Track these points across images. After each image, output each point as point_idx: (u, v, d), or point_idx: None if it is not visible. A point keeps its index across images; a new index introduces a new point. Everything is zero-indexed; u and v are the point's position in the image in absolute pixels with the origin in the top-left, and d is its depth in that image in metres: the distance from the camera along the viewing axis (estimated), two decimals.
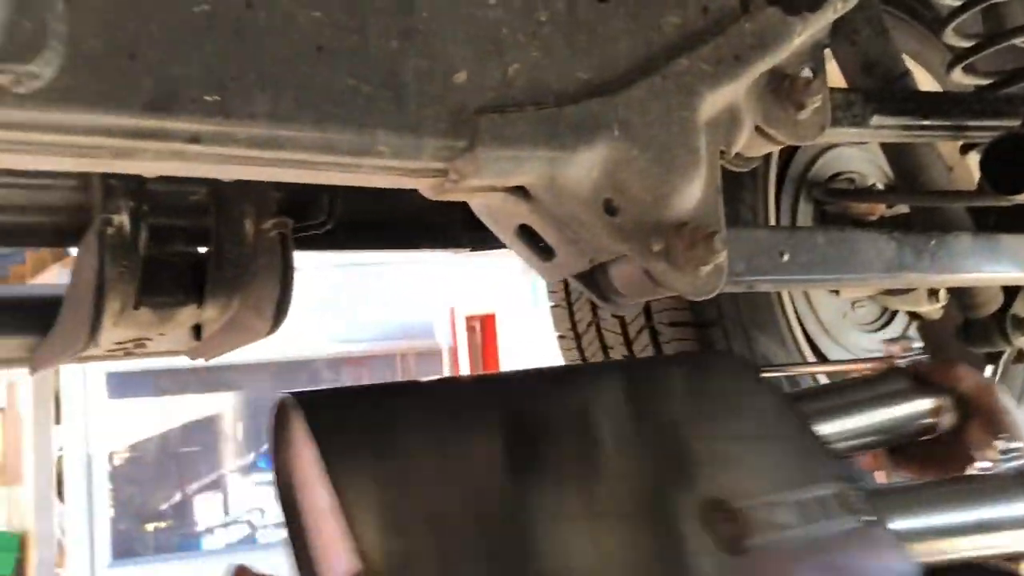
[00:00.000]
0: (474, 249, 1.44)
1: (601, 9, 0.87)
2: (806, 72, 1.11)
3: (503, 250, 1.44)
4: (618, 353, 1.69)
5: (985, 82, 1.61)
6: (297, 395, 0.85)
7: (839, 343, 1.91)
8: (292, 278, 1.15)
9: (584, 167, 0.85)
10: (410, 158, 0.76)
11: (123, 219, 1.05)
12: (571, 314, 1.77)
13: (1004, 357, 1.67)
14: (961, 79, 1.64)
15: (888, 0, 1.90)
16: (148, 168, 0.67)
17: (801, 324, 1.75)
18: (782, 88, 1.08)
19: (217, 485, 10.62)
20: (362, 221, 1.26)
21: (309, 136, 0.69)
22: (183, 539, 9.88)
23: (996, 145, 1.22)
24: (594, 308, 1.72)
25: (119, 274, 1.07)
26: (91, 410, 7.10)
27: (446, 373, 8.30)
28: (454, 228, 1.41)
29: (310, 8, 0.69)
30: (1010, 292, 1.64)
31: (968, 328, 1.64)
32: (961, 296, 1.63)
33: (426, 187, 0.82)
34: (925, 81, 1.95)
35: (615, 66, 0.87)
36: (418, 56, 0.75)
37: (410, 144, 0.74)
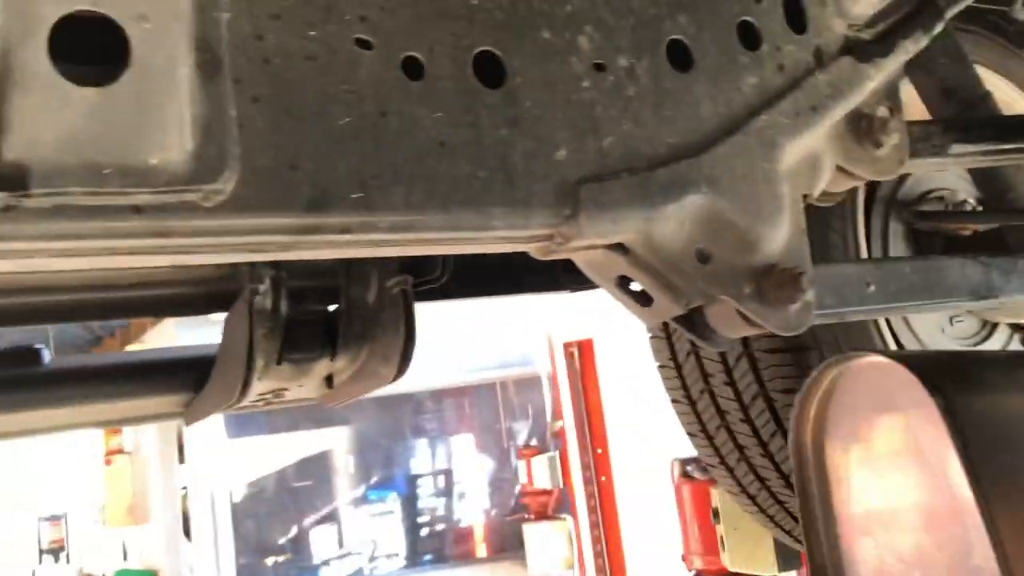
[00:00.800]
0: (573, 290, 1.54)
1: (683, 78, 0.96)
2: (882, 111, 1.18)
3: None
4: (719, 381, 1.76)
5: None
6: (899, 356, 0.78)
7: None
8: (415, 328, 1.27)
9: (676, 221, 0.94)
10: (521, 229, 0.86)
11: (267, 287, 1.19)
12: (670, 344, 1.85)
13: None
14: None
15: (970, 18, 1.93)
16: (305, 255, 0.80)
17: (897, 341, 1.78)
18: (860, 128, 1.15)
19: (331, 518, 10.94)
20: (471, 272, 1.37)
21: (437, 219, 0.80)
22: (301, 571, 10.20)
23: None
24: (701, 366, 1.79)
25: (264, 335, 1.21)
26: (212, 449, 7.44)
27: (547, 399, 8.40)
28: (554, 271, 1.51)
29: (432, 111, 0.81)
30: None
31: None
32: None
33: (535, 250, 0.93)
34: (1012, 95, 1.96)
35: (700, 128, 0.96)
36: (524, 140, 0.85)
37: (521, 217, 0.85)
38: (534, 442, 8.54)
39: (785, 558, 2.70)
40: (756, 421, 1.73)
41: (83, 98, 0.63)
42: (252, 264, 1.20)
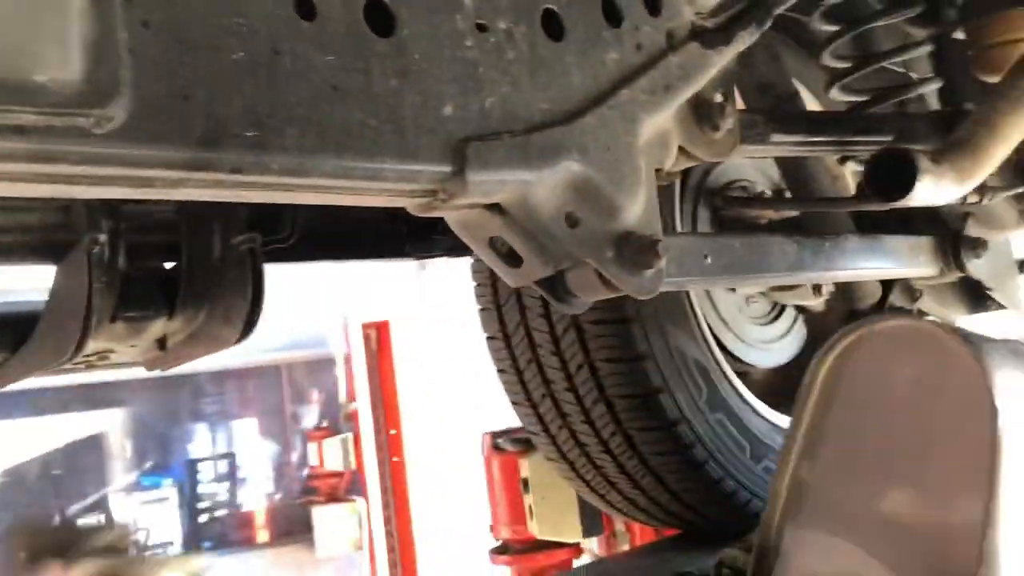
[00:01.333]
0: (418, 259, 1.55)
1: (555, 47, 1.00)
2: (719, 97, 1.27)
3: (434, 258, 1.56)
4: (546, 351, 1.83)
5: (859, 99, 1.82)
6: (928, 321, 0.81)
7: (738, 336, 2.10)
8: (263, 289, 1.23)
9: (549, 186, 0.98)
10: (409, 182, 0.87)
11: (106, 238, 1.11)
12: (500, 317, 1.89)
13: None
14: (838, 97, 1.85)
15: (773, 26, 2.10)
16: (192, 195, 0.76)
17: (706, 319, 1.92)
18: (701, 112, 1.24)
19: (100, 506, 10.25)
20: (320, 234, 1.35)
21: (329, 164, 0.79)
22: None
23: (878, 157, 1.42)
24: (522, 309, 1.85)
25: (99, 290, 1.13)
26: None
27: (341, 383, 8.28)
28: (399, 239, 1.51)
29: (324, 53, 0.80)
30: (887, 285, 1.86)
31: (852, 319, 1.84)
32: (845, 291, 1.84)
33: (415, 206, 0.93)
34: (807, 99, 2.16)
35: (571, 97, 1.00)
36: (412, 92, 0.85)
37: (409, 170, 0.85)
38: (325, 424, 8.40)
39: (589, 525, 2.85)
40: (580, 389, 1.81)
41: None
42: (90, 213, 1.12)
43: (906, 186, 1.39)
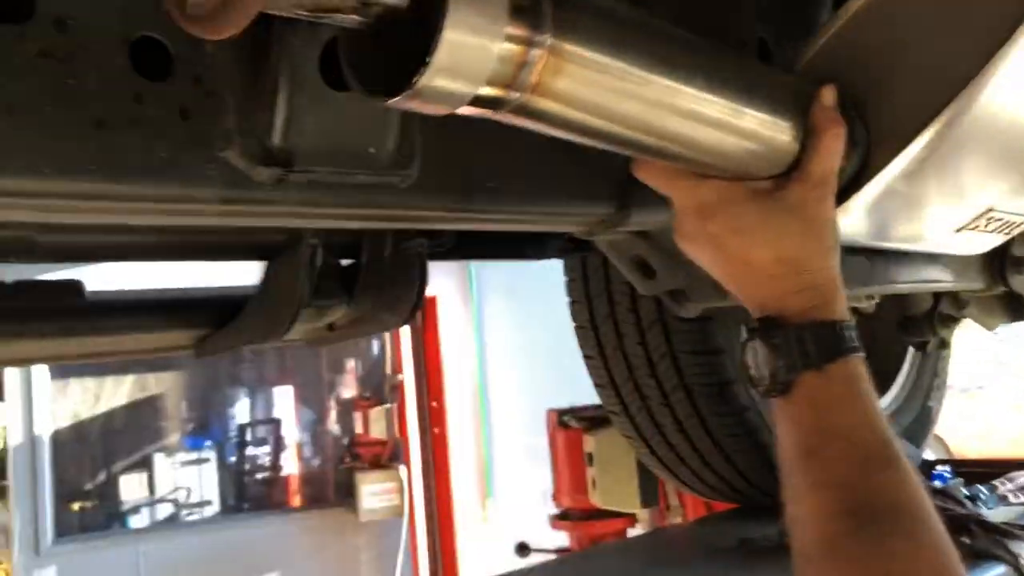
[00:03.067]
0: (534, 259, 1.82)
1: None
2: None
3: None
4: (631, 341, 2.08)
5: None
6: None
7: None
8: (426, 284, 1.50)
9: None
10: (588, 215, 1.12)
11: (318, 241, 1.38)
12: (590, 309, 2.15)
13: (930, 344, 2.13)
14: None
15: None
16: (444, 226, 1.02)
17: None
18: None
19: (143, 465, 10.67)
20: (465, 239, 1.61)
21: (541, 205, 1.05)
22: (109, 517, 9.92)
23: None
24: (611, 303, 2.10)
25: (306, 283, 1.40)
26: (36, 388, 7.14)
27: (388, 355, 8.58)
28: (521, 242, 1.78)
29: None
30: (937, 295, 2.09)
31: (905, 323, 2.09)
32: (900, 299, 2.08)
33: (581, 231, 1.19)
34: None
35: None
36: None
37: (591, 206, 1.11)
38: (368, 394, 8.73)
39: (646, 497, 3.13)
40: (662, 377, 2.07)
41: (335, 100, 0.83)
42: None
43: None
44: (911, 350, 2.54)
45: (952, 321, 2.09)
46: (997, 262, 1.97)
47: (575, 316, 2.21)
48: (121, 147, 0.72)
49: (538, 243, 1.79)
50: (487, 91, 0.64)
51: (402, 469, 7.48)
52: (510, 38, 0.61)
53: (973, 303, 2.09)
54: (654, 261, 1.26)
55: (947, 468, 2.54)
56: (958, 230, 1.18)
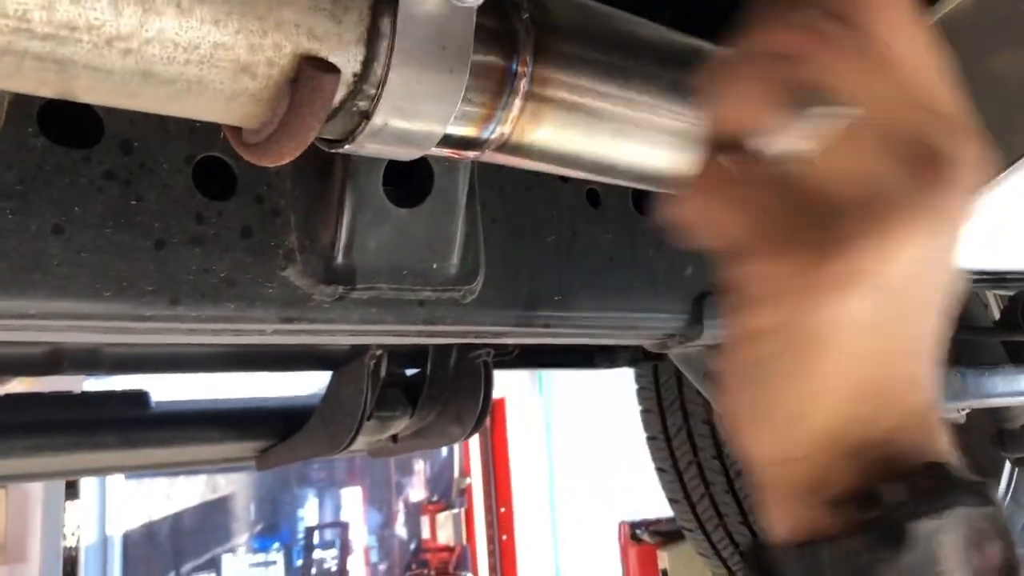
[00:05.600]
0: (603, 367, 1.77)
1: None
2: None
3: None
4: (707, 455, 2.00)
5: None
6: None
7: None
8: (491, 394, 1.46)
9: None
10: (658, 329, 1.08)
11: (382, 351, 1.36)
12: (663, 419, 2.08)
13: None
14: None
15: None
16: (509, 341, 0.99)
17: None
18: None
19: (212, 565, 10.66)
20: (541, 345, 1.58)
21: (612, 317, 1.01)
22: None
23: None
24: (685, 414, 2.03)
25: (370, 394, 1.38)
26: (109, 488, 7.24)
27: (456, 458, 8.50)
28: (589, 351, 1.74)
29: (605, 231, 1.02)
30: None
31: (1001, 436, 1.96)
32: (996, 412, 1.96)
33: (654, 344, 1.15)
34: None
35: None
36: (665, 259, 1.07)
37: (661, 319, 1.07)
38: (436, 498, 8.63)
39: None
40: (739, 493, 1.97)
41: (398, 217, 0.82)
42: None
43: None
44: (1008, 465, 2.39)
45: None
46: None
47: (647, 426, 2.14)
48: (181, 267, 0.72)
49: (608, 352, 1.75)
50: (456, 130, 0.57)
51: None
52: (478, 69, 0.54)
53: None
54: None
55: None
56: None
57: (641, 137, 0.67)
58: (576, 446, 6.91)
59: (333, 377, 1.42)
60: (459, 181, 0.85)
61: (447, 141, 0.57)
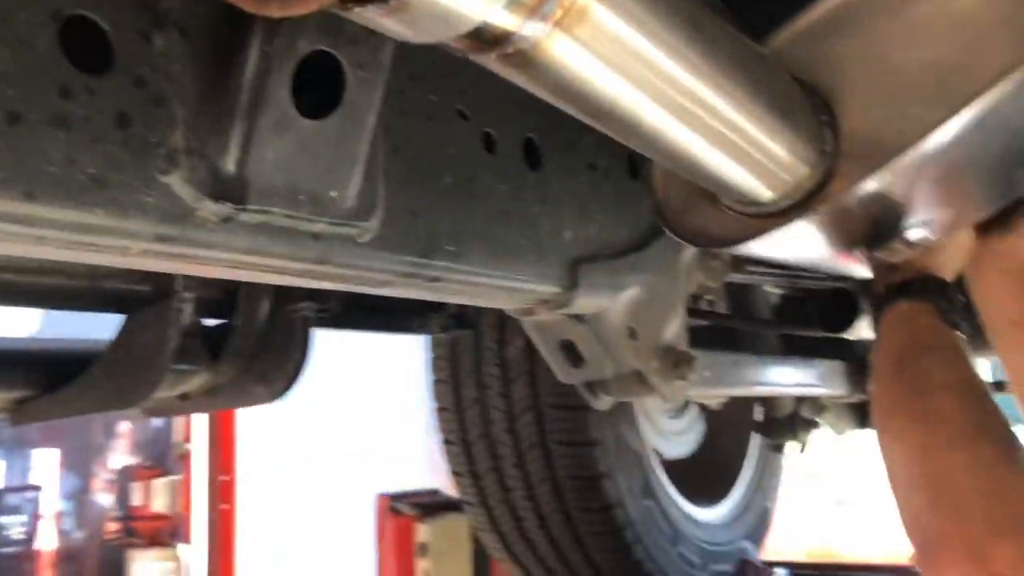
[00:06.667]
0: (420, 333, 1.67)
1: (634, 184, 1.17)
2: None
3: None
4: (499, 428, 1.96)
5: None
6: None
7: (655, 427, 2.31)
8: (308, 354, 1.32)
9: (623, 302, 1.14)
10: (533, 293, 1.00)
11: (191, 296, 1.18)
12: (456, 389, 2.01)
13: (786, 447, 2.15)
14: None
15: None
16: (390, 293, 0.87)
17: (640, 409, 2.12)
18: None
19: None
20: (354, 307, 1.44)
21: (498, 273, 0.92)
22: None
23: (833, 295, 1.66)
24: (480, 386, 1.97)
25: (171, 343, 1.19)
26: None
27: (176, 422, 7.93)
28: (408, 316, 1.63)
29: (498, 182, 0.93)
30: (799, 398, 2.12)
31: (767, 424, 2.09)
32: (764, 400, 2.09)
33: (519, 309, 1.07)
34: None
35: (642, 227, 1.17)
36: (549, 217, 1.00)
37: (539, 283, 0.99)
38: (150, 462, 8.02)
39: None
40: (530, 467, 1.95)
41: (301, 127, 0.68)
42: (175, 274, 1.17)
43: (849, 321, 1.65)
44: (754, 451, 2.57)
45: (811, 425, 2.11)
46: (860, 372, 2.02)
47: (438, 397, 2.06)
48: (39, 153, 0.54)
49: (423, 317, 1.65)
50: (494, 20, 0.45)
51: (182, 548, 6.86)
52: None
53: (830, 408, 2.13)
54: (585, 349, 1.15)
55: (785, 570, 2.56)
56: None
57: (683, 116, 0.61)
58: (331, 413, 6.60)
59: (127, 321, 1.21)
60: (373, 96, 0.72)
61: (478, 31, 0.45)
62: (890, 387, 0.92)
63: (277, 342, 1.32)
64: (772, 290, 2.15)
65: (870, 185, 0.78)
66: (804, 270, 1.78)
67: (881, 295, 0.99)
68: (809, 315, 1.80)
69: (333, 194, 0.72)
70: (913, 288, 0.97)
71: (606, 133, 0.63)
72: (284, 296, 1.32)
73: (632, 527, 1.96)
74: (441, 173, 0.85)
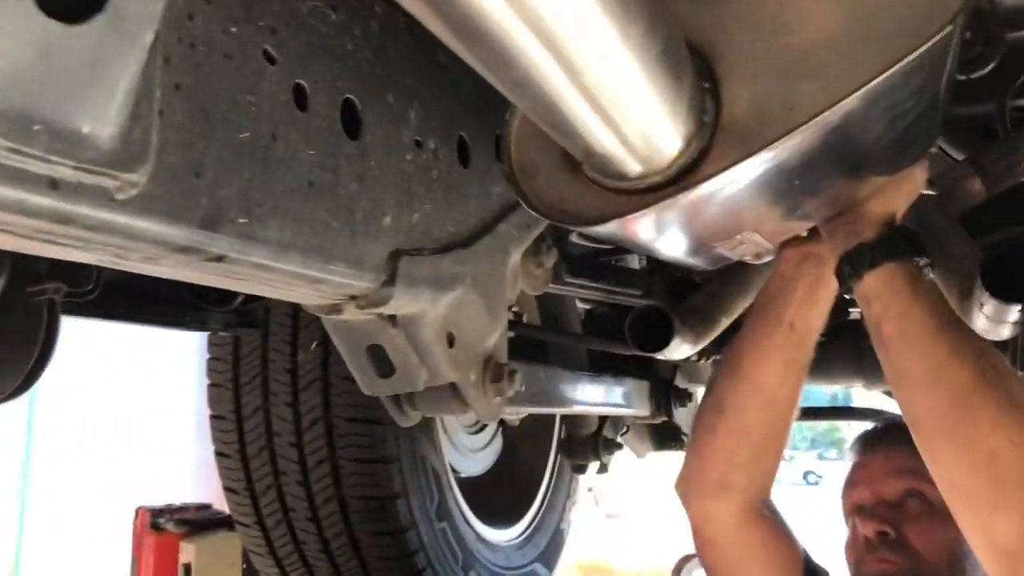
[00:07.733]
0: (194, 329, 1.44)
1: (464, 173, 1.03)
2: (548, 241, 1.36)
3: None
4: (284, 441, 1.75)
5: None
6: None
7: (452, 443, 2.18)
8: (54, 344, 1.08)
9: (443, 304, 0.99)
10: (345, 287, 0.83)
11: None
12: (236, 397, 1.78)
13: (590, 468, 2.08)
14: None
15: None
16: (155, 271, 0.67)
17: (440, 424, 1.98)
18: (532, 249, 1.32)
19: None
20: (119, 293, 1.21)
21: (296, 259, 0.75)
22: None
23: (642, 312, 1.60)
24: (266, 394, 1.76)
25: None
26: None
27: None
28: (182, 309, 1.40)
29: (309, 146, 0.76)
30: (602, 418, 2.06)
31: (569, 444, 2.01)
32: (567, 417, 2.01)
33: (323, 306, 0.89)
34: None
35: (469, 222, 1.04)
36: (366, 198, 0.84)
37: (353, 274, 0.83)
38: None
39: None
40: (314, 486, 1.76)
41: (47, 30, 0.49)
42: None
43: (664, 341, 1.58)
44: (550, 471, 2.49)
45: (614, 445, 2.06)
46: (664, 392, 1.99)
47: (214, 404, 1.82)
48: None
49: (200, 311, 1.43)
50: None
51: None
52: None
53: (632, 428, 2.08)
54: (396, 356, 0.99)
55: None
56: (715, 245, 0.98)
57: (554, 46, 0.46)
58: (87, 414, 5.96)
59: None
60: (151, 5, 0.54)
61: None
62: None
63: (13, 329, 1.07)
64: (581, 304, 2.09)
65: (750, 168, 0.68)
66: (628, 282, 1.71)
67: (851, 255, 0.96)
68: (617, 332, 1.73)
69: (85, 130, 0.53)
70: (896, 246, 0.95)
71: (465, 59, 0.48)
72: (24, 272, 1.07)
73: (423, 551, 1.81)
74: (236, 125, 0.67)
